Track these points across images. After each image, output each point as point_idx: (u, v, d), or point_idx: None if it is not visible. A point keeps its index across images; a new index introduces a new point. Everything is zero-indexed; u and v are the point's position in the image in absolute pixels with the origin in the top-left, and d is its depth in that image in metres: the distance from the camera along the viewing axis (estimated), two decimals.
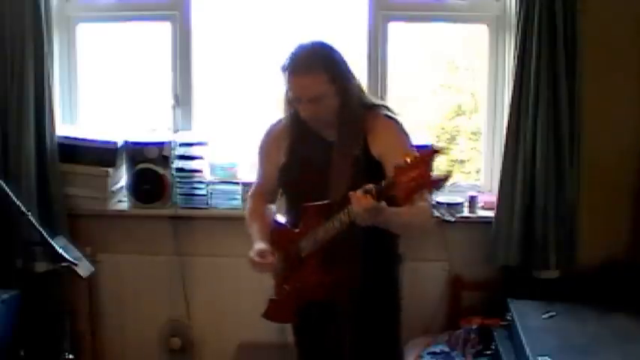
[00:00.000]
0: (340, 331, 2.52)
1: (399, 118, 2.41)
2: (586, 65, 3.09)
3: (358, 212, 2.09)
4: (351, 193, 2.10)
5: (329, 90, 2.27)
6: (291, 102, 2.36)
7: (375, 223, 2.13)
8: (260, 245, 2.39)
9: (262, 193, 2.59)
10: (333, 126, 2.36)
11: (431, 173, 1.95)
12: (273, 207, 2.61)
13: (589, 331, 2.66)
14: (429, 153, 1.96)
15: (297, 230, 2.37)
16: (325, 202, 2.28)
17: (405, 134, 2.38)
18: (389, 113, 2.40)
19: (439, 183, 2.02)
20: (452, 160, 3.69)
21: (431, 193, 2.09)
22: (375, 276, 2.43)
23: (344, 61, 2.34)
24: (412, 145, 2.36)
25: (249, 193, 2.65)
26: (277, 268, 2.43)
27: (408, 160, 1.97)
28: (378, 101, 2.47)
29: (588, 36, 3.08)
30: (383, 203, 2.07)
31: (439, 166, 3.17)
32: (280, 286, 2.46)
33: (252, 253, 2.39)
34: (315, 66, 2.25)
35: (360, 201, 2.06)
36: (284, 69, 2.30)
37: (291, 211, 2.48)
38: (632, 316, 2.81)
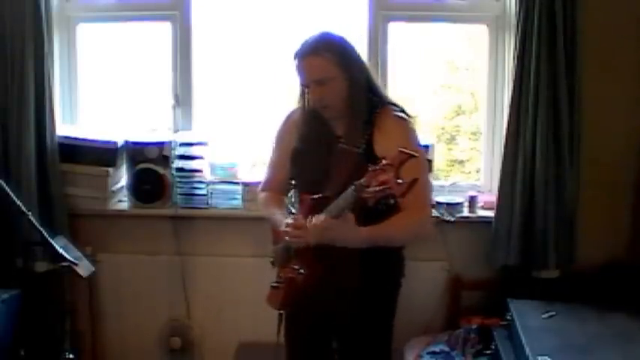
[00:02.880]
0: (331, 331, 2.54)
1: (411, 119, 2.42)
2: (586, 65, 3.09)
3: (310, 230, 2.21)
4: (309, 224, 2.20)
5: (335, 72, 2.30)
6: (302, 91, 2.40)
7: (333, 242, 2.21)
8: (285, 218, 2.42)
9: (273, 186, 2.62)
10: (342, 117, 2.38)
11: (396, 179, 1.97)
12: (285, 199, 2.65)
13: (589, 331, 2.66)
14: (396, 158, 1.99)
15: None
16: (319, 195, 2.30)
17: (414, 137, 2.40)
18: (401, 114, 2.41)
19: (402, 189, 2.02)
20: (452, 160, 3.69)
21: (396, 198, 2.11)
22: (375, 280, 2.45)
23: (353, 50, 2.38)
24: (417, 149, 2.36)
25: (260, 187, 2.68)
26: (279, 257, 2.47)
27: (380, 165, 2.01)
28: (391, 99, 2.46)
29: (588, 36, 3.08)
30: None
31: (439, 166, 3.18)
32: (278, 275, 2.49)
33: (287, 222, 2.37)
34: (321, 48, 2.31)
35: (315, 229, 2.18)
36: (294, 55, 2.35)
37: (297, 200, 2.53)
38: (632, 315, 2.80)
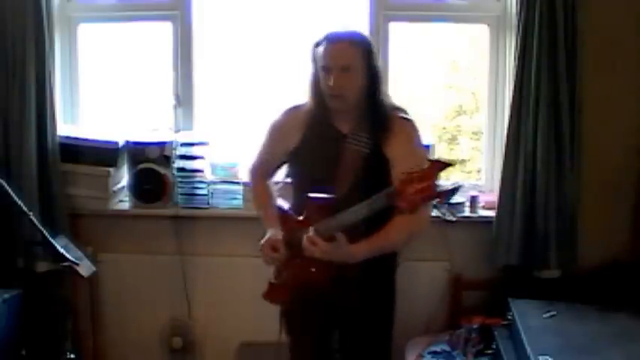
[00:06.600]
0: (332, 321, 2.58)
1: (417, 125, 2.47)
2: (587, 65, 3.09)
3: (306, 249, 2.26)
4: (306, 236, 2.24)
5: (360, 65, 2.34)
6: (318, 79, 2.39)
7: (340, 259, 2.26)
8: (273, 234, 2.43)
9: (263, 170, 2.64)
10: (350, 114, 2.39)
11: (437, 186, 2.00)
12: (275, 187, 2.67)
13: (590, 331, 2.66)
14: (436, 167, 2.01)
15: (300, 219, 2.40)
16: (330, 196, 2.32)
17: (421, 142, 2.46)
18: (408, 117, 2.46)
19: (448, 195, 2.07)
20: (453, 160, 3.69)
21: (441, 203, 2.17)
22: (375, 276, 2.46)
23: (377, 54, 2.43)
24: (426, 153, 2.42)
25: (250, 168, 2.70)
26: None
27: (414, 172, 2.01)
28: (396, 104, 2.51)
29: (589, 36, 3.09)
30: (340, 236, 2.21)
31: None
32: (280, 271, 2.49)
33: (264, 242, 2.42)
34: (352, 38, 2.36)
35: (311, 249, 2.23)
36: (319, 43, 2.38)
37: (297, 195, 2.53)
38: (633, 315, 2.80)
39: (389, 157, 2.36)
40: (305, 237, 2.28)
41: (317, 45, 2.39)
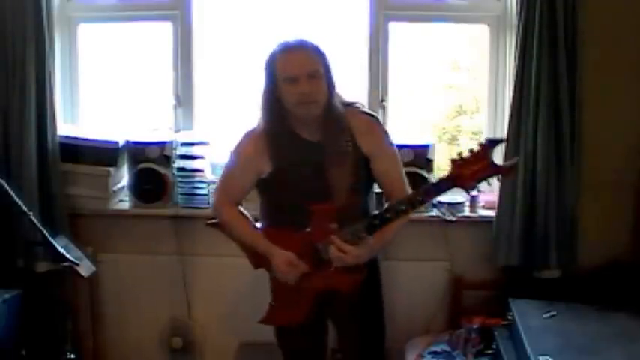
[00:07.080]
0: (325, 318, 2.61)
1: (375, 114, 2.54)
2: (587, 65, 3.09)
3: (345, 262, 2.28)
4: (334, 245, 2.26)
5: (321, 70, 2.34)
6: (276, 94, 2.35)
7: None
8: (285, 254, 2.40)
9: (231, 202, 2.57)
10: (317, 123, 2.38)
11: (494, 164, 2.11)
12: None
13: (590, 331, 2.66)
14: (487, 146, 2.11)
15: (308, 231, 2.38)
16: (330, 203, 2.33)
17: (386, 130, 2.50)
18: (368, 111, 2.51)
19: (509, 171, 2.25)
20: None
21: (510, 178, 2.26)
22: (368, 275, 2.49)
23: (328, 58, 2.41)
24: (392, 143, 2.47)
25: (216, 205, 2.62)
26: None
27: (467, 156, 2.11)
28: (353, 100, 2.52)
29: (589, 36, 3.08)
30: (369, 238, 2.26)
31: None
32: (292, 289, 2.45)
33: (281, 265, 2.40)
34: (309, 45, 2.36)
35: (342, 257, 2.26)
36: (273, 56, 2.36)
37: (277, 213, 2.49)
38: (633, 315, 2.80)
39: (366, 154, 2.39)
40: (332, 246, 2.28)
41: (272, 59, 2.36)
